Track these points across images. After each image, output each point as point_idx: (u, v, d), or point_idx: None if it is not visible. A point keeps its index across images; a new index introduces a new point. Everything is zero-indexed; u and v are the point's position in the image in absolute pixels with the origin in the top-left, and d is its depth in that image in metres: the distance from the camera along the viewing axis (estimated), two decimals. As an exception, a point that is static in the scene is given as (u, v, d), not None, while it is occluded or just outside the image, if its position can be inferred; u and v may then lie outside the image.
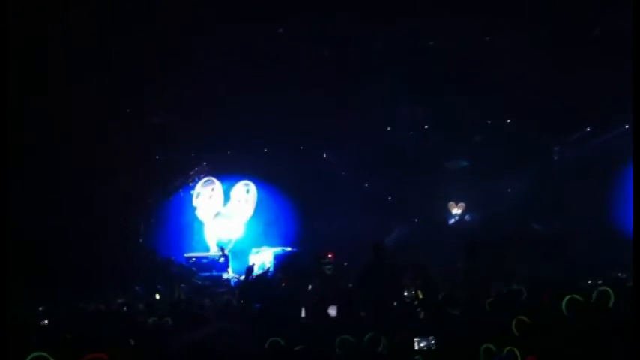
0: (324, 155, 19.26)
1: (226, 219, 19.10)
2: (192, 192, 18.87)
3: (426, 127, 18.87)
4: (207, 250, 18.67)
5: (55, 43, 15.08)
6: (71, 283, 14.25)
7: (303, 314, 10.12)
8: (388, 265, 10.56)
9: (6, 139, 9.43)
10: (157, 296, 13.94)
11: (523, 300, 9.02)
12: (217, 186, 19.13)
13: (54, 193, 16.18)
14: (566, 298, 6.83)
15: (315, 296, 10.72)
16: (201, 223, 19.03)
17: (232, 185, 19.30)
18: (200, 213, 19.01)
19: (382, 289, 9.94)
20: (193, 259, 17.76)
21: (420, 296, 10.10)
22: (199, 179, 18.97)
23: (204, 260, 17.84)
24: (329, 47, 17.35)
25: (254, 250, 18.11)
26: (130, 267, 16.35)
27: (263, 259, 17.58)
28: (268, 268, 14.25)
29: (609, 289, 7.07)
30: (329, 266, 11.17)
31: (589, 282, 12.09)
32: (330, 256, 11.63)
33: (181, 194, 18.80)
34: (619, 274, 11.49)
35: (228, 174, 19.26)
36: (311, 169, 18.71)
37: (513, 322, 6.84)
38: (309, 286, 11.33)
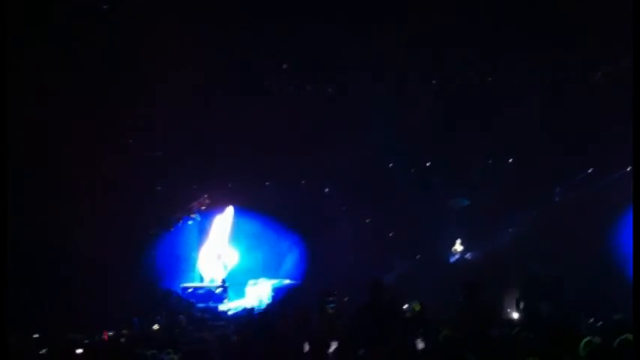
0: (326, 189, 19.26)
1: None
2: (198, 219, 18.85)
3: (427, 164, 18.93)
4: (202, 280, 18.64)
5: (56, 77, 15.18)
6: (69, 313, 14.16)
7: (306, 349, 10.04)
8: (387, 303, 10.51)
9: (6, 147, 9.45)
10: (156, 326, 13.81)
11: (525, 340, 8.97)
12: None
13: (54, 223, 16.15)
14: (585, 340, 6.70)
15: (315, 334, 10.65)
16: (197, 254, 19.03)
17: (236, 217, 19.27)
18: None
19: (381, 327, 9.87)
20: (190, 290, 17.69)
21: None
22: (200, 211, 18.96)
23: (201, 291, 17.76)
24: (332, 85, 17.50)
25: (251, 282, 18.04)
26: (130, 298, 16.25)
27: (261, 291, 17.53)
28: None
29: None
30: (332, 305, 11.09)
31: (590, 321, 12.07)
32: (335, 293, 11.59)
33: (183, 226, 18.77)
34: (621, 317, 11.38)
35: (228, 206, 19.24)
36: (312, 203, 18.70)
37: None
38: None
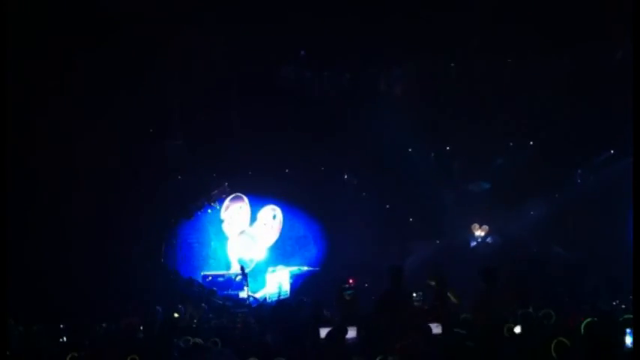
0: (345, 176, 19.22)
1: (250, 238, 19.10)
2: (218, 207, 18.91)
3: (447, 147, 18.82)
4: (229, 267, 18.68)
5: (77, 65, 15.41)
6: (90, 301, 14.34)
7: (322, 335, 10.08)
8: (407, 289, 10.54)
9: (5, 142, 9.59)
10: (176, 315, 13.91)
11: (552, 324, 8.96)
12: (245, 203, 19.16)
13: (77, 211, 16.36)
14: (586, 321, 6.78)
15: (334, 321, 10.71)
16: (221, 242, 19.06)
17: (257, 206, 19.29)
18: (226, 226, 19.06)
19: (400, 313, 9.89)
20: (210, 278, 17.78)
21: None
22: (221, 199, 19.03)
23: (221, 279, 17.81)
24: (350, 71, 17.46)
25: (270, 269, 18.10)
26: (152, 287, 16.40)
27: (280, 278, 17.59)
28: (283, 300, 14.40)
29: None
30: (349, 292, 11.30)
31: (614, 303, 11.99)
32: (350, 281, 11.78)
33: (203, 214, 18.85)
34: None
35: (249, 194, 19.29)
36: (332, 190, 18.67)
37: (553, 344, 6.72)
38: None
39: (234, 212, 19.06)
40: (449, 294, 10.46)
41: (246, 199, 19.10)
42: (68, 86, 15.64)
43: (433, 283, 10.33)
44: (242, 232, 19.07)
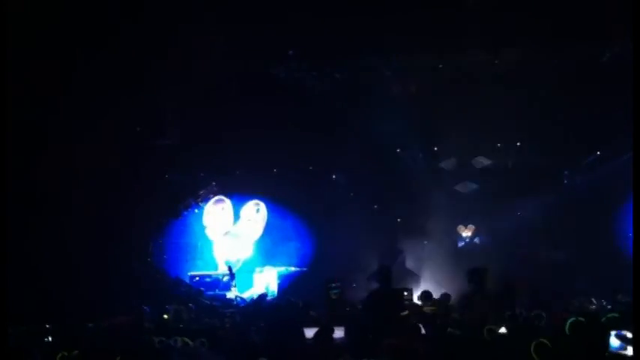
0: (334, 176, 19.24)
1: (235, 238, 19.08)
2: (202, 210, 18.90)
3: (435, 148, 18.87)
4: (216, 268, 18.64)
5: (77, 65, 15.38)
6: (78, 301, 14.27)
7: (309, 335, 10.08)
8: (396, 289, 10.58)
9: (5, 142, 9.54)
10: (165, 316, 13.88)
11: (543, 324, 9.04)
12: (227, 204, 19.15)
13: (63, 211, 16.29)
14: (570, 321, 6.83)
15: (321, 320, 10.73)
16: (208, 242, 19.03)
17: (242, 205, 19.30)
18: (209, 231, 19.03)
19: (389, 313, 9.93)
20: (197, 278, 17.76)
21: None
22: (208, 199, 19.01)
23: (208, 279, 17.81)
24: (340, 71, 17.47)
25: (258, 269, 18.09)
26: (139, 287, 16.36)
27: (267, 278, 17.58)
28: (265, 293, 14.43)
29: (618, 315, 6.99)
30: (335, 291, 11.36)
31: (601, 303, 12.08)
32: (336, 280, 11.84)
33: (190, 214, 18.82)
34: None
35: (237, 194, 19.28)
36: (320, 190, 18.68)
37: (533, 346, 6.76)
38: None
39: (216, 215, 19.05)
40: (425, 309, 10.52)
41: (227, 200, 19.11)
42: (68, 86, 15.61)
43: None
44: (227, 233, 19.06)
